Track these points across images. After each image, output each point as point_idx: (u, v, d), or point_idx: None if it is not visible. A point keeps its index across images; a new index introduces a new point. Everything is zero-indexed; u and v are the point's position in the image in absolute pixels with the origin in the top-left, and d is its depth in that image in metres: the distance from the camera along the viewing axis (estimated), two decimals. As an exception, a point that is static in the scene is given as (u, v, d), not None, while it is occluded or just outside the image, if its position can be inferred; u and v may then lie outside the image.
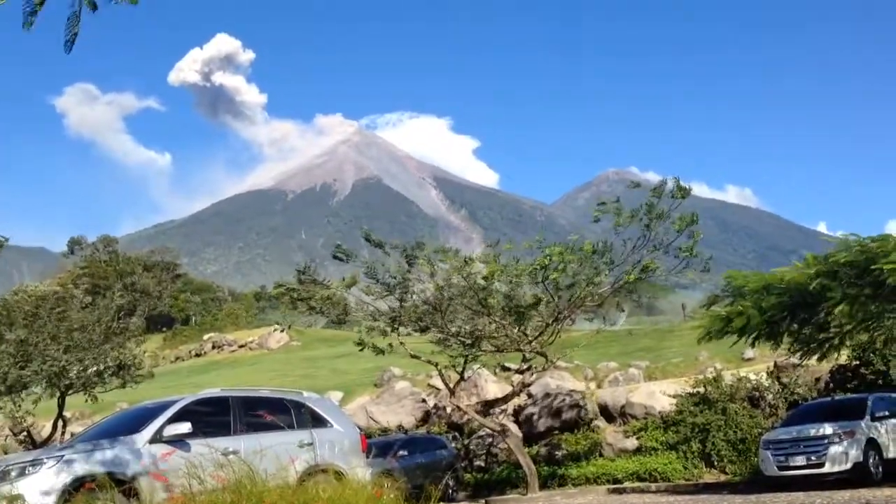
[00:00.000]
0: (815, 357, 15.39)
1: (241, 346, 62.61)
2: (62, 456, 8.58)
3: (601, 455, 20.53)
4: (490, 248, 18.01)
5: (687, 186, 16.43)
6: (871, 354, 18.81)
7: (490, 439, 22.44)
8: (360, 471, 10.37)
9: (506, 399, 20.02)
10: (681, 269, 17.21)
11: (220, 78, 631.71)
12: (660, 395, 21.36)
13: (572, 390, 23.65)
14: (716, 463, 18.65)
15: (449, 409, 24.11)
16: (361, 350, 18.44)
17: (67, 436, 22.75)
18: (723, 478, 18.08)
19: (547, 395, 23.03)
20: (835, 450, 14.54)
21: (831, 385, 19.80)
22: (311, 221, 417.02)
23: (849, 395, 17.47)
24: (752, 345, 14.96)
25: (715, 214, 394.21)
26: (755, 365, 24.54)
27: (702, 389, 19.81)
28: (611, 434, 21.18)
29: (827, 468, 14.55)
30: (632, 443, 20.40)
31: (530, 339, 18.01)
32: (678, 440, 19.28)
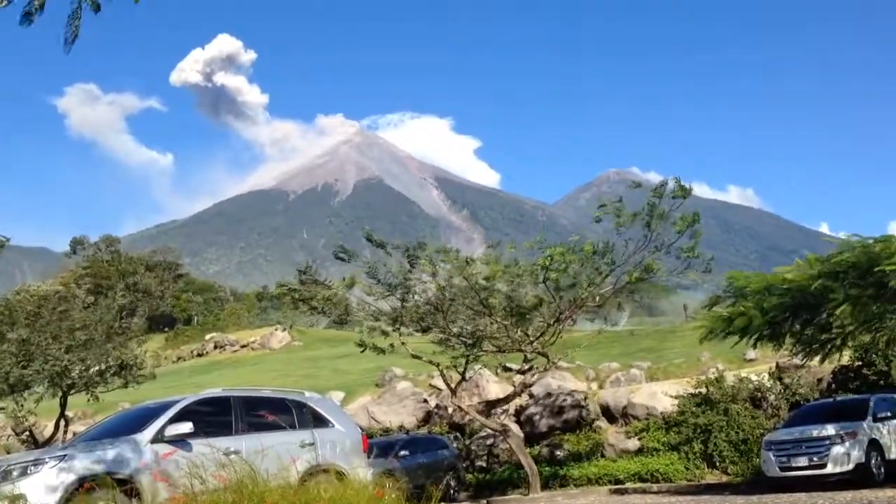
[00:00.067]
0: (818, 358, 15.36)
1: (242, 346, 62.66)
2: (64, 455, 8.58)
3: (603, 455, 20.51)
4: (491, 249, 18.01)
5: (688, 186, 16.41)
6: (874, 355, 18.79)
7: (491, 440, 22.42)
8: (362, 471, 10.37)
9: (507, 399, 20.01)
10: (682, 270, 17.20)
11: (221, 78, 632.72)
12: (661, 396, 21.33)
13: (574, 391, 23.63)
14: (718, 464, 18.63)
15: (450, 410, 24.10)
16: (363, 351, 18.45)
17: (69, 435, 22.77)
18: (725, 478, 18.05)
19: (548, 395, 23.02)
20: (837, 450, 14.51)
21: (833, 386, 19.78)
22: (312, 221, 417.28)
23: (851, 396, 17.44)
24: (754, 346, 14.93)
25: (717, 215, 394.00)
26: (757, 366, 24.50)
27: (704, 390, 19.79)
28: (612, 434, 21.16)
29: (829, 469, 14.53)
30: (633, 443, 20.38)
31: (532, 339, 18.01)
32: (680, 441, 19.26)
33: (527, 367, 18.91)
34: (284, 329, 59.70)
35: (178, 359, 64.21)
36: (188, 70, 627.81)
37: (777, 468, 15.09)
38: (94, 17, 6.14)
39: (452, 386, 19.07)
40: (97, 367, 22.41)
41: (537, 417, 22.64)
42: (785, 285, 13.05)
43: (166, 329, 79.72)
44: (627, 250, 16.81)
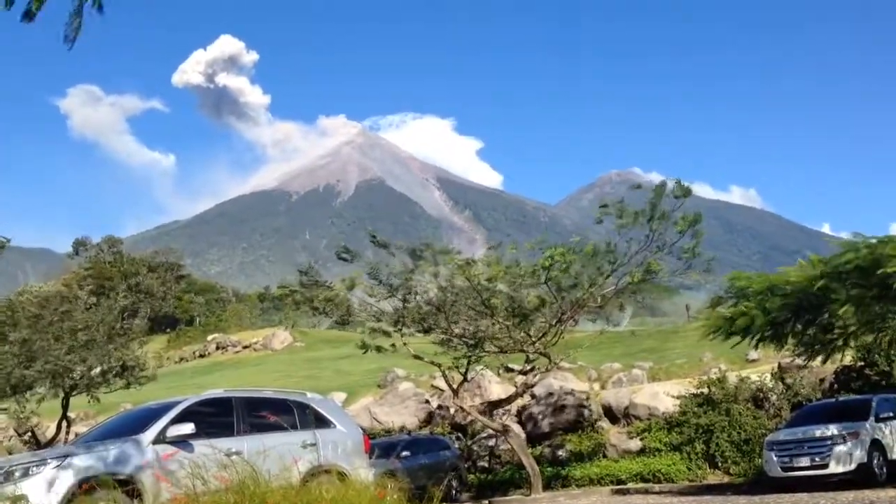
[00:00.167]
0: (820, 358, 15.34)
1: (244, 347, 62.70)
2: (66, 456, 8.58)
3: (605, 456, 20.51)
4: (493, 250, 18.01)
5: (687, 186, 16.41)
6: (876, 355, 18.76)
7: (493, 440, 22.42)
8: (363, 471, 10.37)
9: (509, 400, 20.00)
10: (684, 271, 17.19)
11: (223, 79, 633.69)
12: (663, 396, 21.31)
13: (576, 391, 23.61)
14: (720, 464, 18.60)
15: (452, 410, 24.09)
16: (365, 353, 18.46)
17: (72, 436, 22.79)
18: (727, 479, 18.03)
19: (550, 395, 23.01)
20: (839, 451, 14.49)
21: (835, 386, 19.74)
22: (314, 222, 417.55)
23: (853, 396, 17.41)
24: (756, 346, 14.91)
25: (719, 215, 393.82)
26: (759, 366, 24.47)
27: (706, 390, 19.77)
28: (614, 435, 21.15)
29: (831, 469, 14.51)
30: (635, 444, 20.37)
31: (533, 340, 18.00)
32: (682, 441, 19.24)
33: (529, 367, 18.91)
34: (286, 329, 59.71)
35: (180, 359, 64.27)
36: (190, 71, 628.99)
37: (779, 468, 15.07)
38: (96, 18, 6.15)
39: (454, 386, 19.07)
40: (99, 368, 22.44)
41: (539, 418, 22.63)
42: (787, 286, 13.03)
43: (168, 330, 79.79)
44: (630, 250, 16.81)
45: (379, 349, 18.03)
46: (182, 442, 9.19)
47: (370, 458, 11.46)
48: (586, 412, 22.08)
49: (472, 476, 21.71)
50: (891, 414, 15.56)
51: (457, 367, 18.98)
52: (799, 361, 17.96)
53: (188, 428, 9.22)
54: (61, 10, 6.12)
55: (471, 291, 17.18)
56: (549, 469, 20.29)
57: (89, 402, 23.45)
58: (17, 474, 8.27)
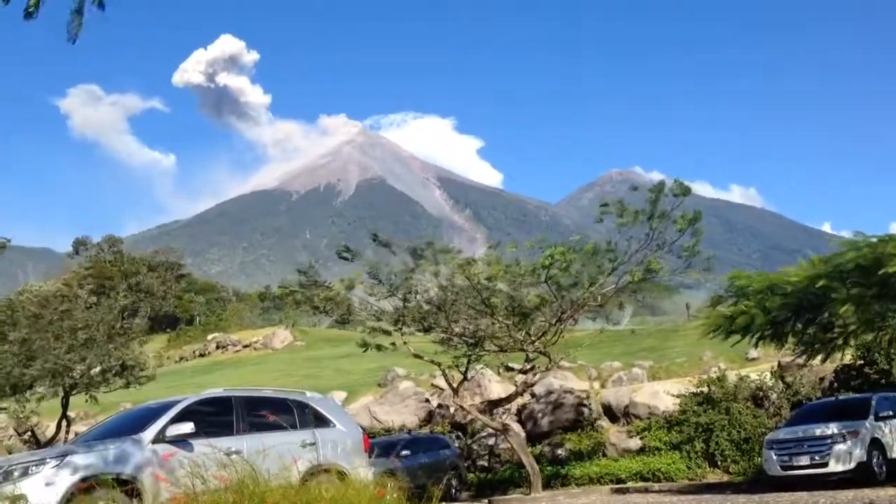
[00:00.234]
0: (820, 357, 15.34)
1: (245, 346, 62.69)
2: (65, 456, 8.58)
3: (604, 455, 20.51)
4: (493, 249, 18.01)
5: (686, 184, 16.42)
6: (876, 354, 18.75)
7: (493, 439, 22.43)
8: (363, 470, 10.36)
9: (509, 399, 20.01)
10: (684, 270, 17.20)
11: (224, 79, 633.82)
12: (663, 395, 21.32)
13: (575, 390, 23.62)
14: (719, 463, 18.61)
15: (452, 409, 24.10)
16: (365, 351, 18.47)
17: (71, 435, 22.81)
18: (726, 478, 18.04)
19: (550, 394, 23.01)
20: (838, 449, 14.50)
21: (835, 384, 19.74)
22: (315, 222, 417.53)
23: (853, 395, 17.41)
24: (756, 345, 14.92)
25: (719, 214, 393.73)
26: (759, 365, 24.47)
27: (705, 389, 19.78)
28: (614, 434, 21.15)
29: (830, 468, 14.51)
30: (635, 443, 20.37)
31: (533, 339, 18.01)
32: (682, 440, 19.25)
33: (529, 366, 18.91)
34: (286, 328, 59.73)
35: (181, 359, 64.28)
36: (190, 71, 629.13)
37: (779, 467, 15.08)
38: (96, 15, 6.17)
39: (454, 385, 19.08)
40: (99, 368, 22.46)
41: (539, 417, 22.64)
42: (788, 285, 13.03)
43: (168, 329, 79.79)
44: (630, 249, 16.81)
45: (379, 348, 18.04)
46: (182, 441, 9.20)
47: (370, 457, 11.45)
48: (586, 411, 22.08)
49: (471, 475, 21.72)
50: (890, 413, 15.57)
51: (457, 366, 18.99)
52: (799, 360, 17.98)
53: (188, 427, 9.23)
54: (62, 9, 6.14)
55: (471, 290, 17.19)
56: (548, 468, 20.30)
57: (87, 401, 23.46)
58: (16, 474, 8.28)
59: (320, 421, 10.84)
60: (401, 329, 18.03)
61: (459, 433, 23.55)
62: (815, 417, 15.74)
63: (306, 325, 64.24)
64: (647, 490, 17.56)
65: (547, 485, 18.84)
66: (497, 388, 25.54)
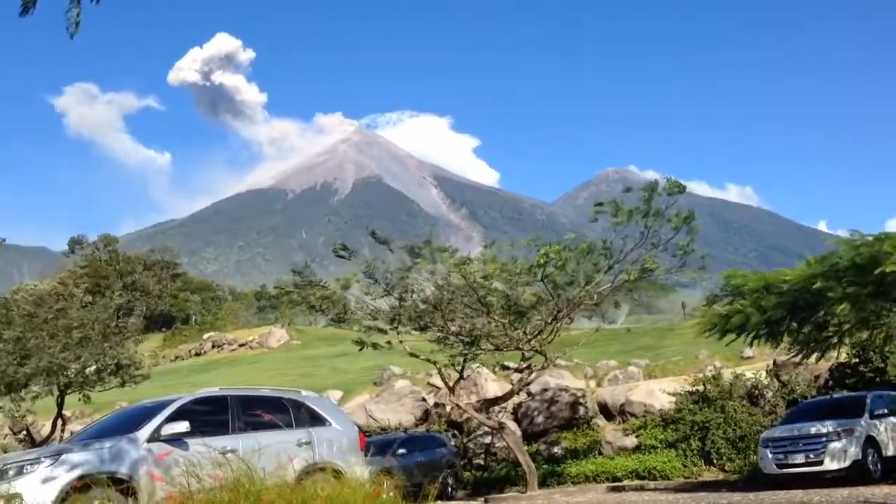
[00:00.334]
0: (815, 356, 15.39)
1: (241, 345, 62.53)
2: (60, 455, 8.58)
3: (600, 453, 20.54)
4: (488, 249, 18.01)
5: (681, 183, 16.46)
6: (871, 352, 18.81)
7: (489, 438, 22.45)
8: (359, 469, 10.36)
9: (505, 397, 20.03)
10: (679, 268, 17.23)
11: (219, 77, 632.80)
12: (659, 394, 21.36)
13: (571, 388, 23.65)
14: (715, 461, 18.65)
15: (448, 408, 24.11)
16: (361, 349, 18.47)
17: (67, 434, 22.78)
18: (722, 476, 18.08)
19: (546, 393, 23.04)
20: (834, 447, 14.55)
21: (830, 383, 19.80)
22: (311, 220, 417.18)
23: (848, 393, 17.47)
24: (751, 344, 14.95)
25: (715, 213, 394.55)
26: (755, 363, 24.52)
27: (701, 387, 19.82)
28: (610, 432, 21.19)
29: (826, 466, 14.56)
30: (631, 441, 20.41)
31: (529, 337, 18.02)
32: (677, 438, 19.29)
33: (525, 365, 18.92)
34: (283, 327, 59.65)
35: (176, 358, 64.07)
36: (186, 69, 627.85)
37: (774, 465, 15.12)
38: (93, 13, 6.16)
39: (450, 384, 19.09)
40: (94, 367, 22.42)
41: (535, 415, 22.67)
42: (783, 284, 13.06)
43: (164, 328, 79.63)
44: (625, 248, 16.84)
45: (375, 346, 18.04)
46: (177, 440, 9.20)
47: (366, 455, 11.44)
48: (582, 409, 22.12)
49: (468, 473, 21.74)
50: (885, 411, 15.62)
51: (453, 365, 19.00)
52: (794, 359, 18.02)
53: (183, 426, 9.22)
54: (58, 6, 6.12)
55: (467, 289, 17.19)
56: (544, 466, 20.33)
57: (80, 400, 23.42)
58: (11, 473, 8.27)
59: (316, 420, 10.84)
60: (397, 328, 18.03)
61: (456, 432, 23.56)
62: (810, 416, 15.79)
63: (302, 324, 64.18)
64: (642, 488, 17.59)
65: (543, 483, 18.86)
66: (493, 386, 25.56)
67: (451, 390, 19.12)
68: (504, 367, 26.71)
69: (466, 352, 18.42)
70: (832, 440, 14.63)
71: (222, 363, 55.29)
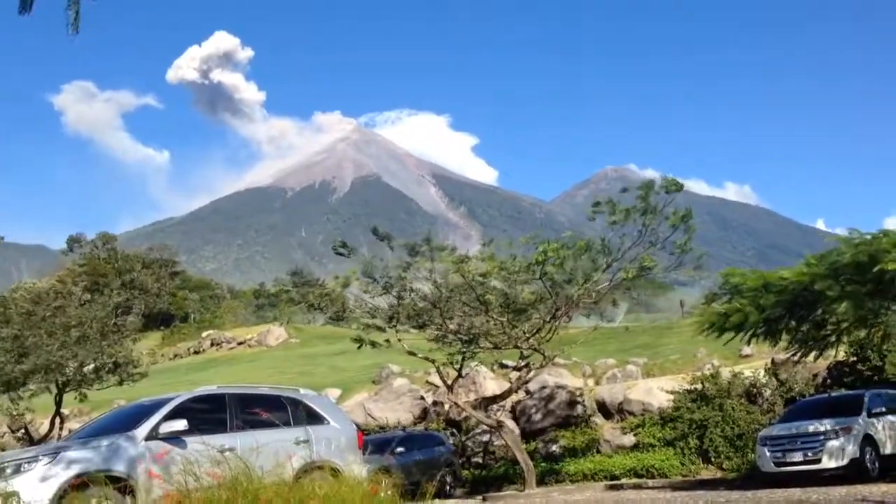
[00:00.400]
0: (813, 354, 15.41)
1: (239, 344, 62.52)
2: (58, 453, 8.58)
3: (598, 451, 20.55)
4: (486, 247, 18.00)
5: (678, 181, 16.47)
6: (869, 351, 18.82)
7: (488, 436, 22.45)
8: (357, 467, 10.34)
9: (504, 396, 20.03)
10: (675, 267, 17.23)
11: (218, 75, 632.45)
12: (657, 392, 21.37)
13: (569, 386, 23.66)
14: (713, 459, 18.67)
15: (447, 406, 24.12)
16: (360, 347, 18.47)
17: (65, 432, 22.76)
18: (720, 474, 18.09)
19: (544, 391, 23.05)
20: (831, 446, 14.55)
21: (828, 381, 19.81)
22: (310, 219, 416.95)
23: (845, 392, 17.48)
24: (749, 342, 14.96)
25: (714, 212, 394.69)
26: (753, 361, 24.54)
27: (699, 386, 19.83)
28: (608, 430, 21.20)
29: (823, 464, 14.56)
30: (629, 439, 20.42)
31: (528, 336, 18.02)
32: (675, 436, 19.30)
33: (523, 363, 18.92)
34: (281, 325, 59.63)
35: (175, 356, 64.05)
36: (185, 67, 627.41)
37: (772, 463, 15.13)
38: (91, 15, 6.16)
39: (449, 383, 19.09)
40: (92, 365, 22.41)
41: (533, 413, 22.68)
42: (782, 282, 13.07)
43: (163, 327, 79.57)
44: (623, 246, 16.85)
45: (374, 344, 18.04)
46: (175, 438, 9.19)
47: (364, 454, 11.45)
48: (580, 408, 22.12)
49: (466, 472, 21.74)
50: (883, 409, 15.62)
51: (451, 364, 19.00)
52: (793, 357, 18.03)
53: (181, 424, 9.22)
54: (56, 5, 6.12)
55: (465, 287, 17.19)
56: (542, 464, 20.35)
57: (76, 398, 23.41)
58: (8, 471, 8.27)
59: (314, 418, 10.83)
60: (395, 326, 18.03)
61: (454, 430, 23.57)
62: (808, 414, 15.79)
63: (301, 323, 64.15)
64: (640, 486, 17.60)
65: (541, 481, 18.87)
66: (492, 385, 25.58)
67: (450, 389, 19.12)
68: (502, 366, 26.72)
69: (465, 350, 18.43)
70: (830, 438, 14.63)
71: (221, 361, 55.27)
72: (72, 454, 8.56)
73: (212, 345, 64.01)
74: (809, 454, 14.71)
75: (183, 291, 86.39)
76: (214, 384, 11.64)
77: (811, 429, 14.95)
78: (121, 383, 23.68)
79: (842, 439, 14.56)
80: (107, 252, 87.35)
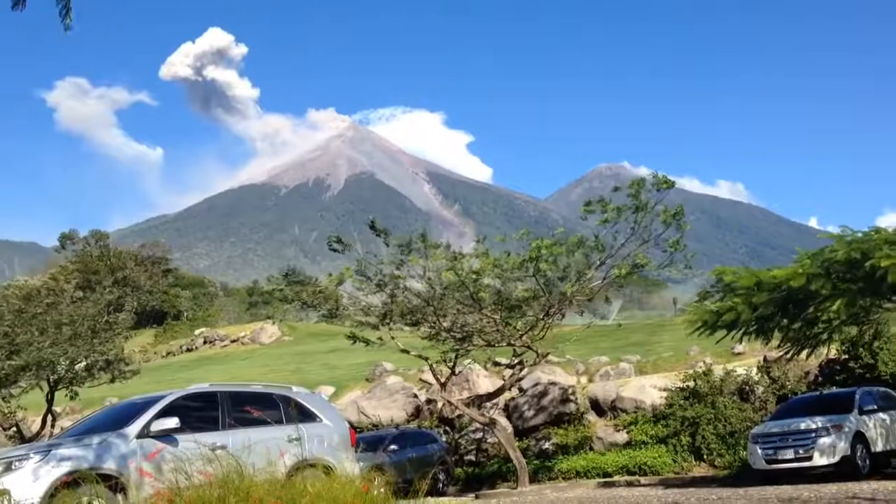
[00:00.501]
0: (805, 352, 15.46)
1: (232, 341, 62.49)
2: (49, 451, 8.54)
3: (591, 449, 20.58)
4: (479, 244, 17.99)
5: (669, 178, 16.51)
6: (860, 348, 18.89)
7: (481, 434, 22.47)
8: (349, 465, 10.37)
9: (497, 393, 20.04)
10: (667, 265, 17.26)
11: (212, 72, 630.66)
12: (650, 389, 21.41)
13: (562, 384, 23.68)
14: (705, 456, 18.72)
15: (440, 404, 24.12)
16: (353, 344, 18.45)
17: (57, 430, 22.67)
18: (712, 471, 18.13)
19: (537, 388, 23.07)
20: (823, 443, 14.60)
21: (820, 379, 19.87)
22: (303, 216, 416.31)
23: (837, 390, 17.55)
24: (741, 340, 14.99)
25: (707, 209, 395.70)
26: (745, 359, 24.62)
27: (692, 383, 19.87)
28: (601, 428, 21.23)
29: (815, 461, 14.61)
30: (622, 437, 20.46)
31: (521, 333, 18.03)
32: (668, 434, 19.34)
33: (516, 361, 18.94)
34: (274, 322, 59.55)
35: (168, 354, 63.96)
36: (178, 64, 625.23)
37: (763, 461, 15.17)
38: (83, 10, 6.14)
39: (442, 380, 19.09)
40: (84, 363, 22.31)
41: (526, 411, 22.70)
42: (775, 280, 13.10)
43: (155, 324, 79.34)
44: (616, 243, 16.87)
45: (367, 342, 18.03)
46: (166, 436, 9.17)
47: (356, 451, 11.44)
48: (573, 405, 22.16)
49: (459, 469, 21.76)
50: (874, 407, 15.69)
51: (445, 361, 19.00)
52: (785, 355, 18.08)
53: (173, 422, 9.20)
54: (50, 1, 6.08)
55: (459, 285, 17.17)
56: (535, 462, 20.38)
57: (67, 396, 23.31)
58: (-1, 469, 8.22)
59: (306, 416, 10.82)
60: (388, 324, 18.01)
61: (447, 428, 23.59)
62: (799, 411, 15.84)
63: (294, 321, 64.12)
64: (633, 484, 17.64)
65: (534, 479, 18.89)
66: (485, 382, 25.59)
67: (443, 386, 19.13)
68: (496, 364, 26.74)
69: (458, 348, 18.42)
70: (821, 436, 14.68)
71: (214, 359, 55.19)
72: (63, 452, 8.53)
73: (205, 342, 63.93)
74: (801, 451, 14.75)
75: (176, 289, 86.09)
76: (206, 382, 11.61)
77: (803, 426, 14.99)
78: (113, 381, 23.58)
79: (833, 437, 14.61)
80: (99, 249, 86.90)
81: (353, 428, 12.59)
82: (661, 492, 14.86)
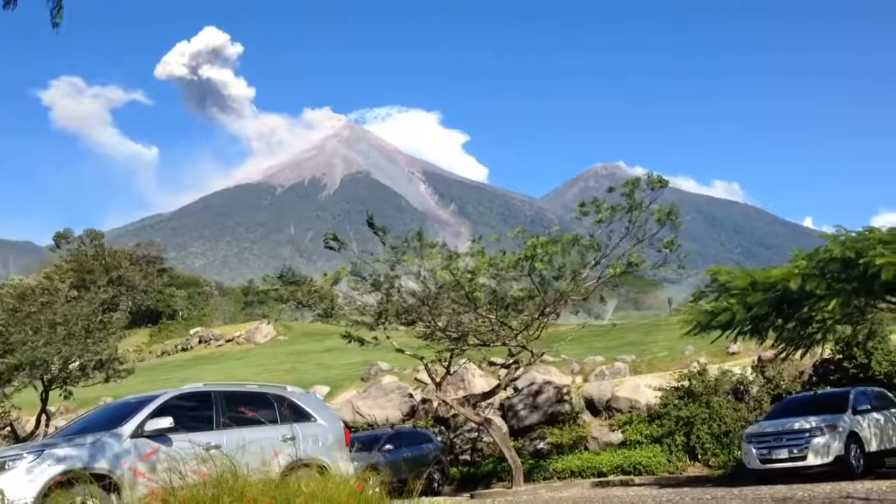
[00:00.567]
0: (799, 352, 15.49)
1: (227, 341, 62.32)
2: (43, 450, 8.52)
3: (586, 448, 20.60)
4: (475, 243, 17.99)
5: (663, 178, 16.53)
6: (854, 348, 18.95)
7: (476, 433, 22.47)
8: (344, 465, 10.34)
9: (492, 393, 20.04)
10: (661, 265, 17.28)
11: (207, 71, 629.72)
12: (645, 389, 21.44)
13: (557, 384, 23.69)
14: (700, 456, 18.75)
15: (435, 404, 24.10)
16: (348, 343, 18.43)
17: (51, 430, 22.61)
18: (706, 471, 18.17)
19: (532, 387, 23.08)
20: (817, 443, 14.63)
21: (814, 379, 19.93)
22: (299, 216, 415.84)
23: (831, 389, 17.58)
24: (735, 340, 15.02)
25: (702, 209, 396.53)
26: (740, 359, 24.64)
27: (686, 383, 19.91)
28: (596, 428, 21.25)
29: (809, 461, 14.64)
30: (617, 436, 20.48)
31: (516, 333, 18.03)
32: (663, 433, 19.37)
33: (511, 361, 18.94)
34: (269, 322, 59.41)
35: (162, 353, 63.78)
36: (173, 63, 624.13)
37: (758, 460, 15.20)
38: (78, 9, 6.13)
39: (437, 380, 19.09)
40: (78, 362, 22.26)
41: (521, 411, 22.71)
42: (770, 280, 13.12)
43: (150, 324, 79.16)
44: (610, 243, 16.89)
45: (362, 342, 18.01)
46: (160, 436, 9.16)
47: (351, 451, 11.43)
48: (568, 405, 22.17)
49: (454, 469, 21.75)
50: (868, 407, 15.72)
51: (440, 361, 18.99)
52: (780, 356, 18.12)
53: (167, 422, 9.19)
54: (43, 4, 6.06)
55: (454, 284, 17.17)
56: (530, 461, 20.39)
57: (60, 395, 23.25)
58: (-7, 468, 8.19)
59: (301, 415, 10.81)
60: (383, 323, 17.99)
61: (442, 427, 23.58)
62: (794, 411, 15.87)
63: (289, 320, 63.97)
64: (627, 483, 17.66)
65: (529, 478, 18.90)
66: (480, 382, 25.57)
67: (438, 386, 19.12)
68: (491, 363, 26.74)
69: (453, 347, 18.42)
70: (816, 436, 14.71)
71: (209, 359, 55.05)
72: (57, 451, 8.51)
73: (200, 342, 63.76)
74: (795, 451, 14.78)
75: (171, 288, 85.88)
76: (201, 381, 11.59)
77: (797, 426, 15.02)
78: (107, 380, 23.53)
79: (827, 436, 14.64)
80: (94, 248, 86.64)
81: (348, 427, 12.58)
82: (656, 491, 14.88)
